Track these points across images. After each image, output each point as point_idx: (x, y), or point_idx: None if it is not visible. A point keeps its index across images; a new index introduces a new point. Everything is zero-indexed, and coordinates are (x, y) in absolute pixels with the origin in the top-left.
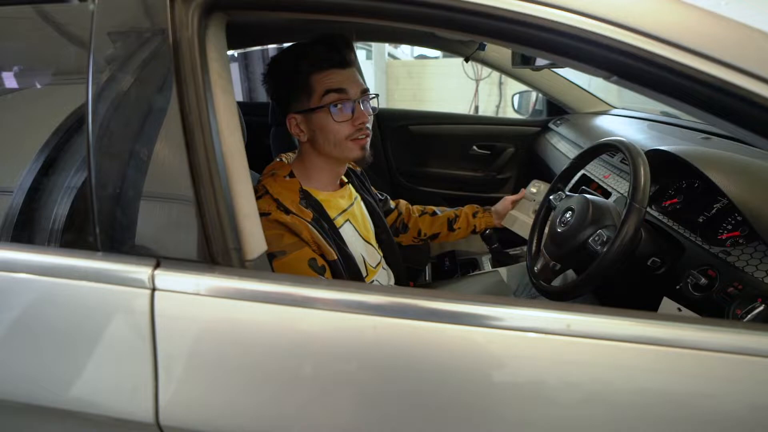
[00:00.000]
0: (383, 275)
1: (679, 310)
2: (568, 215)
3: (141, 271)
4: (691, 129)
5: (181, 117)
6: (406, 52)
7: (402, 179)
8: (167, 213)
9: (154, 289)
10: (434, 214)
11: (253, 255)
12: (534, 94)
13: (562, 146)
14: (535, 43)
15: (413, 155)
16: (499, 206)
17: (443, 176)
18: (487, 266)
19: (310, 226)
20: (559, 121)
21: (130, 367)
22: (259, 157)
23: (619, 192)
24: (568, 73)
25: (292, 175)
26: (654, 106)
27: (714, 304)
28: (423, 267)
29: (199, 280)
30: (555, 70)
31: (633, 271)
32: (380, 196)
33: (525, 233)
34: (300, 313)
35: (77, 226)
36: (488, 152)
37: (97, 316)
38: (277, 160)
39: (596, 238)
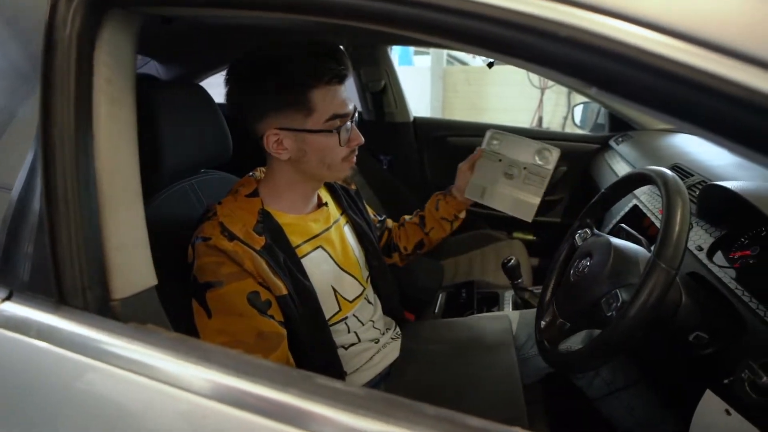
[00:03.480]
0: (365, 310)
1: (728, 413)
2: (585, 262)
3: None
4: None
5: (42, 129)
6: (468, 54)
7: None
8: (26, 238)
9: None
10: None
11: (123, 293)
12: (598, 106)
13: (620, 168)
14: (456, 34)
15: (452, 169)
16: (458, 180)
17: None
18: (509, 303)
19: (255, 255)
20: (621, 139)
21: None
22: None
23: None
24: None
25: (255, 193)
26: None
27: None
28: (431, 298)
29: (41, 322)
30: None
31: (669, 346)
32: (379, 217)
33: (505, 206)
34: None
35: None
36: None
37: None
38: (249, 174)
39: (611, 300)
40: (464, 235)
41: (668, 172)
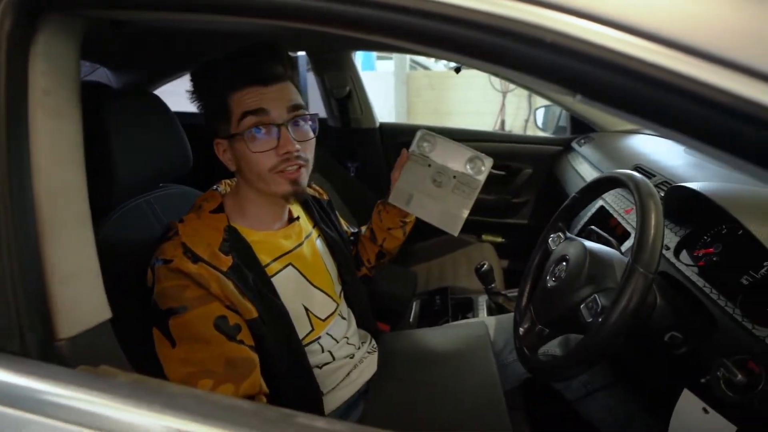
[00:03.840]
0: (339, 326)
1: (705, 411)
2: (561, 267)
3: None
4: None
5: None
6: (431, 59)
7: None
8: None
9: None
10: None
11: (71, 331)
12: (559, 109)
13: (583, 169)
14: (431, 39)
15: None
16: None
17: None
18: (482, 308)
19: (222, 277)
20: (583, 140)
21: None
22: None
23: None
24: None
25: (220, 209)
26: None
27: (757, 414)
28: (405, 307)
29: None
30: None
31: (645, 347)
32: (352, 230)
33: (430, 216)
34: None
35: None
36: (503, 173)
37: None
38: (213, 188)
39: (590, 305)
40: (434, 240)
41: (638, 175)
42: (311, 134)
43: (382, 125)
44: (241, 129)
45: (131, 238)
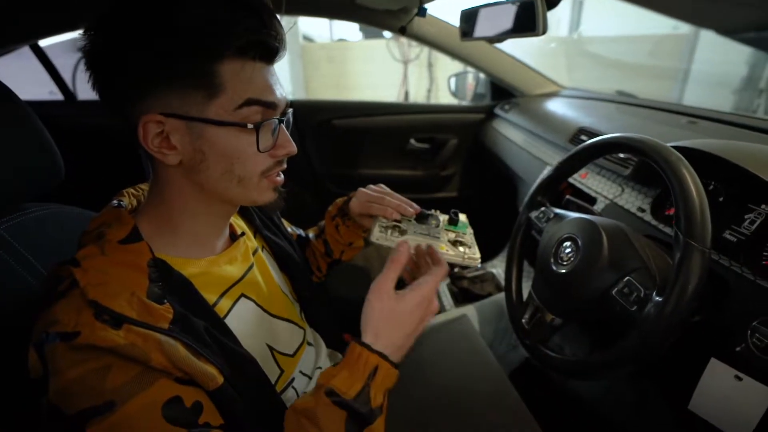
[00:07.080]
0: (309, 357)
1: (738, 378)
2: (567, 249)
3: None
4: (671, 111)
5: None
6: (323, 34)
7: (330, 186)
8: None
9: None
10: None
11: None
12: (471, 75)
13: (514, 135)
14: None
15: (340, 155)
16: (355, 206)
17: (378, 178)
18: (445, 294)
19: (165, 339)
20: (507, 106)
21: None
22: None
23: (606, 197)
24: (510, 47)
25: (135, 236)
26: (609, 84)
27: None
28: None
29: None
30: (497, 46)
31: None
32: (298, 232)
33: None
34: None
35: None
36: (428, 146)
37: None
38: (113, 203)
39: (625, 291)
40: None
41: (653, 139)
42: None
43: (293, 103)
44: (243, 118)
45: None
